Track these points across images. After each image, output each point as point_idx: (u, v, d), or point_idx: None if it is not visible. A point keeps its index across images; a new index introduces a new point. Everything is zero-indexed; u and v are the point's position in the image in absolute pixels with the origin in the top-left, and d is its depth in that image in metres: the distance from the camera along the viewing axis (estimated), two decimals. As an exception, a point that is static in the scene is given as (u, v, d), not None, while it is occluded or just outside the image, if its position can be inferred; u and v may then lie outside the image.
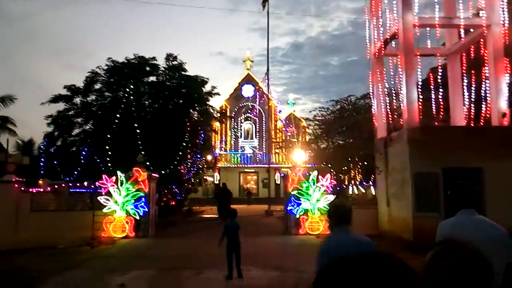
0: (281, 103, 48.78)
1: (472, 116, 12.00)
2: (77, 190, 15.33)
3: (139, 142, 17.24)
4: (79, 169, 18.38)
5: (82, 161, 19.15)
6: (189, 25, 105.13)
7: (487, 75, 11.21)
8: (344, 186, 19.58)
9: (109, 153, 17.28)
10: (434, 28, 11.50)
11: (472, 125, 11.69)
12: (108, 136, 17.97)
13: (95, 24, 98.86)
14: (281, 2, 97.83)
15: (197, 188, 29.84)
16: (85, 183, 15.57)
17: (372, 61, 13.56)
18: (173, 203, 22.68)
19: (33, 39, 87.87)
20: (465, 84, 12.24)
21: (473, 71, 11.92)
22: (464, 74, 12.26)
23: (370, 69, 13.77)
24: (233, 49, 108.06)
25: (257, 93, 43.82)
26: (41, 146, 21.17)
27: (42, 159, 19.90)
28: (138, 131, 17.64)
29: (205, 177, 34.24)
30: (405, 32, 11.11)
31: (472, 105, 11.98)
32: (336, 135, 20.79)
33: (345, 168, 20.66)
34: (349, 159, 18.89)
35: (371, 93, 13.88)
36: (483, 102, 11.34)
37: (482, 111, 11.39)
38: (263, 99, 40.95)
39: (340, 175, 20.99)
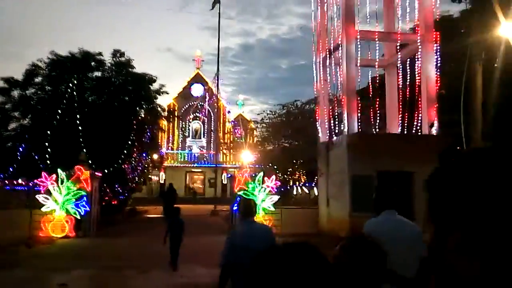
0: (230, 104, 49.17)
1: (405, 124, 12.97)
2: (13, 187, 14.64)
3: (81, 139, 16.69)
4: (14, 165, 17.44)
5: (19, 157, 18.18)
6: (138, 20, 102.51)
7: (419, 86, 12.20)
8: (289, 187, 20.23)
9: (49, 149, 16.57)
10: (374, 41, 12.31)
11: (405, 132, 12.65)
12: (48, 132, 17.22)
13: (38, 13, 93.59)
14: (232, 3, 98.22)
15: (141, 187, 29.32)
16: (21, 181, 14.88)
17: (317, 68, 14.22)
18: (115, 202, 22.11)
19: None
20: (400, 94, 13.19)
21: (407, 83, 12.89)
22: (400, 85, 13.22)
23: (315, 76, 14.42)
24: (182, 46, 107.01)
25: (207, 92, 43.79)
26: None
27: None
28: (80, 127, 17.07)
29: (150, 176, 33.62)
30: (347, 43, 11.81)
31: (406, 114, 12.94)
32: (282, 138, 21.46)
33: (291, 169, 21.35)
34: (294, 161, 19.57)
35: (314, 99, 14.55)
36: (415, 112, 12.33)
37: (414, 120, 12.37)
38: (212, 99, 40.99)
39: (285, 176, 21.65)
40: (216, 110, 42.48)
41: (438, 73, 11.97)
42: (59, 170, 13.04)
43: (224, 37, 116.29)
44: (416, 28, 12.49)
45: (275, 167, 19.59)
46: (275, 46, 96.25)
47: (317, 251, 1.10)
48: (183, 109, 43.48)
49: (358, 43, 11.97)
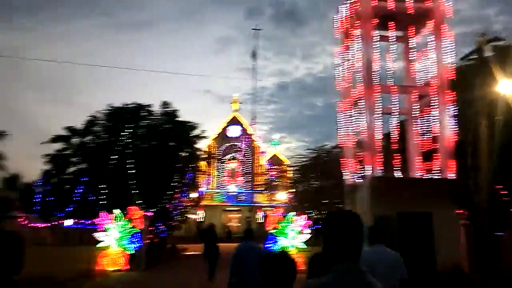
0: (266, 142, 50.84)
1: (425, 169, 14.01)
2: (74, 226, 16.63)
3: (133, 182, 18.77)
4: (72, 206, 19.61)
5: (76, 198, 20.43)
6: (180, 63, 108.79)
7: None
8: (319, 225, 21.24)
9: (105, 191, 18.72)
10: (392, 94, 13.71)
11: (425, 176, 13.69)
12: (103, 175, 19.45)
13: (83, 60, 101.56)
14: (268, 44, 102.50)
15: (181, 226, 31.05)
16: (82, 220, 16.89)
17: (341, 119, 15.68)
18: (157, 240, 23.79)
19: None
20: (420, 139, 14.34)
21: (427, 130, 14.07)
22: (420, 132, 14.40)
23: (340, 118, 15.84)
24: (220, 87, 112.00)
25: (243, 134, 45.96)
26: (38, 183, 22.42)
27: (37, 195, 21.09)
28: (132, 171, 19.22)
29: (188, 215, 35.34)
30: (368, 97, 13.29)
31: (425, 160, 14.02)
32: (311, 179, 22.77)
33: (323, 209, 22.45)
34: (324, 201, 20.73)
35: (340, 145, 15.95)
36: (433, 158, 13.43)
37: (432, 165, 13.44)
38: (248, 140, 43.02)
39: (319, 215, 22.73)
40: (252, 150, 44.32)
41: (454, 123, 13.13)
42: (116, 210, 14.94)
43: (261, 77, 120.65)
44: (432, 81, 13.83)
45: (306, 205, 20.80)
46: (310, 84, 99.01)
47: (290, 257, 2.57)
48: (221, 149, 45.71)
49: (379, 96, 13.39)
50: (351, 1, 14.26)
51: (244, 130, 46.26)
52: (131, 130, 20.75)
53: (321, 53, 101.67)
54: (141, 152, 21.53)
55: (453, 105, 13.11)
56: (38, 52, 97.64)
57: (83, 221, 17.05)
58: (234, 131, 47.45)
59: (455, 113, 13.14)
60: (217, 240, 22.48)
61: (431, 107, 13.61)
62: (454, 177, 12.77)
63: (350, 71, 15.06)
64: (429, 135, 13.55)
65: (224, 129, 47.63)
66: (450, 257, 11.95)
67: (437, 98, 13.44)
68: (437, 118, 13.37)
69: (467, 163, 9.75)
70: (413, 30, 14.37)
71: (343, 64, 15.35)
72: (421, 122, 14.29)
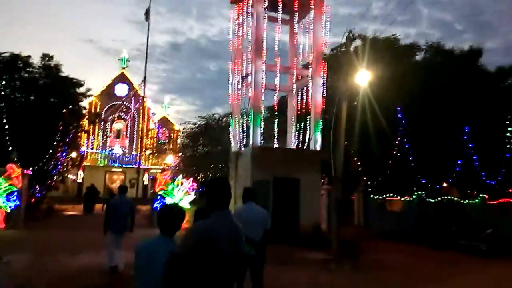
0: (155, 102, 49.74)
1: (299, 140, 16.14)
2: None
3: (10, 138, 17.54)
4: None
5: None
6: (59, 6, 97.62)
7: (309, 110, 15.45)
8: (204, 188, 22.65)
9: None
10: (276, 72, 15.31)
11: (298, 147, 15.81)
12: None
13: None
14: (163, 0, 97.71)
15: (58, 186, 29.72)
16: None
17: (232, 89, 16.90)
18: (34, 199, 22.70)
19: None
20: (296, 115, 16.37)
21: (302, 106, 16.09)
22: (297, 108, 16.39)
23: (230, 96, 17.09)
24: (106, 38, 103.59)
25: (131, 93, 44.38)
26: None
27: None
28: (8, 126, 17.87)
29: (68, 175, 33.76)
30: (256, 73, 14.63)
31: (301, 132, 16.12)
32: (200, 145, 23.93)
33: (208, 173, 23.82)
34: (212, 165, 22.10)
35: (229, 115, 17.26)
36: (305, 131, 15.56)
37: (306, 137, 15.59)
38: (137, 100, 41.79)
39: (202, 178, 24.08)
40: (141, 111, 43.06)
41: (323, 101, 15.30)
42: (-9, 168, 14.09)
43: (152, 33, 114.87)
44: (309, 64, 15.77)
45: (194, 169, 21.91)
46: (204, 47, 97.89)
47: (180, 207, 3.56)
48: (106, 108, 43.59)
49: (264, 72, 14.83)
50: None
51: (132, 89, 44.62)
52: (4, 82, 19.01)
53: (217, 15, 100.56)
54: (17, 106, 19.97)
55: (323, 86, 15.28)
56: None
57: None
58: (121, 90, 45.42)
59: (324, 95, 15.34)
60: (96, 197, 24.58)
61: (307, 86, 15.60)
62: (320, 150, 15.07)
63: (240, 46, 16.21)
64: (304, 111, 15.60)
65: (111, 86, 45.30)
66: (313, 216, 14.33)
67: (311, 80, 15.47)
68: (311, 97, 15.43)
69: (330, 139, 11.73)
70: (297, 15, 16.02)
71: (235, 38, 16.44)
72: (299, 99, 16.27)
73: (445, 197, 16.22)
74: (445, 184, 17.27)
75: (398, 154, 16.88)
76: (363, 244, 12.07)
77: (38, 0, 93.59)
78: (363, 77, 11.55)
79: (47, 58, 21.33)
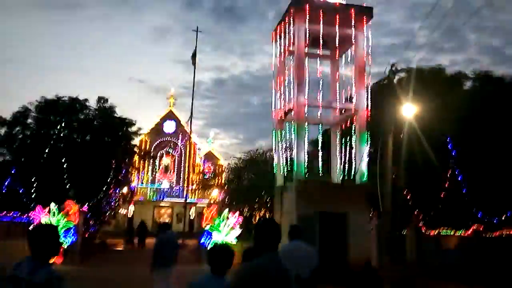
0: (200, 137, 51.22)
1: (345, 173, 15.95)
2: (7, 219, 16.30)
3: (67, 176, 18.71)
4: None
5: (3, 190, 19.79)
6: (112, 50, 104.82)
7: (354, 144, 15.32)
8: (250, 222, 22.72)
9: (37, 184, 18.44)
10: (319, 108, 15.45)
11: (342, 180, 15.61)
12: (35, 168, 19.12)
13: (11, 38, 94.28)
14: (207, 38, 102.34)
15: (110, 221, 30.91)
16: (11, 213, 16.60)
17: (275, 125, 17.16)
18: (87, 234, 23.73)
19: None
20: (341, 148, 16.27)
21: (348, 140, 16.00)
22: (342, 141, 16.30)
23: (273, 130, 17.34)
24: (155, 77, 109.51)
25: (178, 129, 46.12)
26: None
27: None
28: (66, 165, 19.11)
29: (119, 210, 35.11)
30: (298, 108, 14.85)
31: (346, 165, 15.95)
32: (245, 180, 24.25)
33: (254, 206, 23.99)
34: (256, 200, 22.23)
35: (273, 149, 17.44)
36: (352, 164, 15.38)
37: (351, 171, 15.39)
38: (184, 137, 43.29)
39: (252, 213, 24.24)
40: (188, 147, 44.51)
41: (368, 134, 15.14)
42: (52, 204, 15.03)
43: (198, 71, 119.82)
44: (352, 97, 15.79)
45: (238, 203, 22.11)
46: (247, 82, 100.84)
47: (230, 248, 3.69)
48: (155, 144, 45.49)
49: (306, 107, 15.01)
50: (287, 21, 15.74)
51: (179, 126, 46.41)
52: (63, 124, 20.52)
53: (258, 51, 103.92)
54: (75, 146, 21.37)
55: (367, 121, 15.16)
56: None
57: (11, 214, 16.72)
58: (169, 127, 47.40)
59: (368, 129, 15.21)
60: (146, 233, 25.76)
61: (351, 119, 15.55)
62: (367, 183, 14.79)
63: (282, 85, 16.59)
64: (348, 145, 15.48)
65: (159, 124, 47.39)
66: (362, 252, 13.88)
67: (355, 114, 15.43)
68: (354, 131, 15.34)
69: (377, 172, 11.57)
70: (338, 52, 16.22)
71: (277, 77, 16.87)
72: (342, 132, 16.21)
73: (505, 232, 15.21)
74: (503, 218, 16.25)
75: (450, 187, 16.19)
76: (417, 282, 11.52)
77: (94, 47, 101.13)
78: (408, 110, 11.42)
79: (102, 101, 22.88)
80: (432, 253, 17.84)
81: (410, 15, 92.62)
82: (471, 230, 15.72)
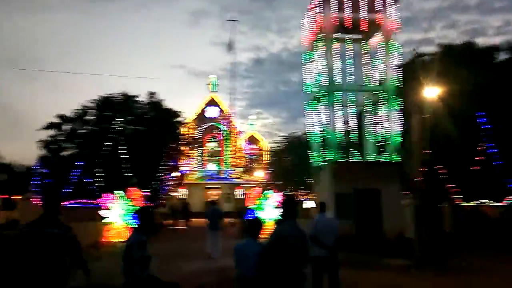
0: (242, 118, 52.37)
1: (380, 152, 16.94)
2: (74, 205, 18.84)
3: (126, 165, 21.07)
4: (69, 188, 21.75)
5: (73, 180, 22.57)
6: (150, 36, 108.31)
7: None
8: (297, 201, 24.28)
9: (101, 174, 20.96)
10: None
11: (375, 159, 16.64)
12: (98, 159, 21.65)
13: (46, 33, 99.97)
14: (244, 18, 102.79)
15: (165, 203, 33.65)
16: (81, 200, 19.09)
17: (308, 111, 18.36)
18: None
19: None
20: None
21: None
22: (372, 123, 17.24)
23: (307, 113, 18.50)
24: (194, 62, 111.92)
25: (221, 114, 48.18)
26: (35, 167, 24.36)
27: (36, 178, 23.10)
28: (125, 155, 21.48)
29: (172, 193, 37.88)
30: (330, 94, 15.99)
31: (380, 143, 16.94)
32: (284, 161, 25.79)
33: (294, 186, 25.57)
34: (295, 180, 23.75)
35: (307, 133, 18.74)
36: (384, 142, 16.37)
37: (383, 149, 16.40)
38: (226, 121, 45.28)
39: (290, 191, 25.86)
40: (230, 131, 46.46)
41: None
42: (116, 191, 17.28)
43: (236, 52, 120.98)
44: (383, 79, 16.62)
45: (281, 183, 23.72)
46: (286, 59, 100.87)
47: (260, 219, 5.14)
48: (200, 129, 47.86)
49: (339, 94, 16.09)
50: (315, 12, 16.72)
51: (221, 111, 48.37)
52: (122, 119, 22.87)
53: (296, 27, 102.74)
54: (131, 138, 23.73)
55: (396, 101, 16.00)
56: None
57: (82, 201, 19.27)
58: (212, 112, 49.42)
59: (398, 109, 16.06)
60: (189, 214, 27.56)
61: (380, 102, 16.45)
62: (399, 161, 15.76)
63: (314, 72, 17.65)
64: (379, 125, 16.44)
65: (203, 110, 49.53)
66: (395, 224, 14.99)
67: (385, 95, 16.32)
68: (385, 112, 16.25)
69: (406, 150, 12.58)
70: (366, 37, 17.02)
71: (309, 68, 17.95)
72: (373, 114, 17.15)
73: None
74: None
75: (483, 160, 16.76)
76: (451, 251, 12.41)
77: (132, 36, 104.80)
78: (429, 92, 12.27)
79: (151, 95, 25.07)
80: (468, 224, 18.53)
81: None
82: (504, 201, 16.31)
